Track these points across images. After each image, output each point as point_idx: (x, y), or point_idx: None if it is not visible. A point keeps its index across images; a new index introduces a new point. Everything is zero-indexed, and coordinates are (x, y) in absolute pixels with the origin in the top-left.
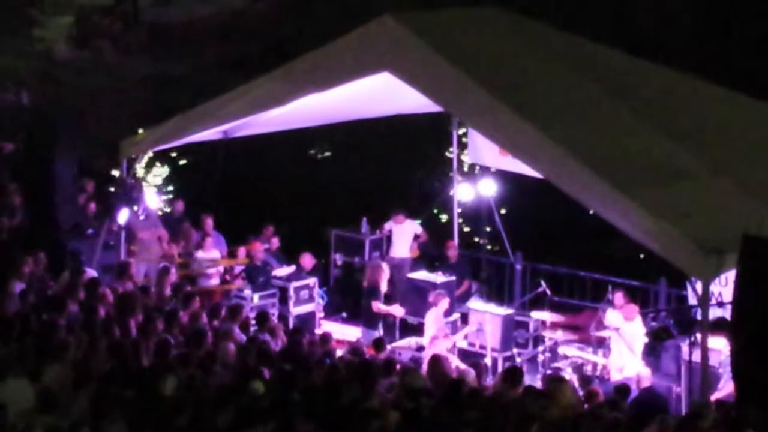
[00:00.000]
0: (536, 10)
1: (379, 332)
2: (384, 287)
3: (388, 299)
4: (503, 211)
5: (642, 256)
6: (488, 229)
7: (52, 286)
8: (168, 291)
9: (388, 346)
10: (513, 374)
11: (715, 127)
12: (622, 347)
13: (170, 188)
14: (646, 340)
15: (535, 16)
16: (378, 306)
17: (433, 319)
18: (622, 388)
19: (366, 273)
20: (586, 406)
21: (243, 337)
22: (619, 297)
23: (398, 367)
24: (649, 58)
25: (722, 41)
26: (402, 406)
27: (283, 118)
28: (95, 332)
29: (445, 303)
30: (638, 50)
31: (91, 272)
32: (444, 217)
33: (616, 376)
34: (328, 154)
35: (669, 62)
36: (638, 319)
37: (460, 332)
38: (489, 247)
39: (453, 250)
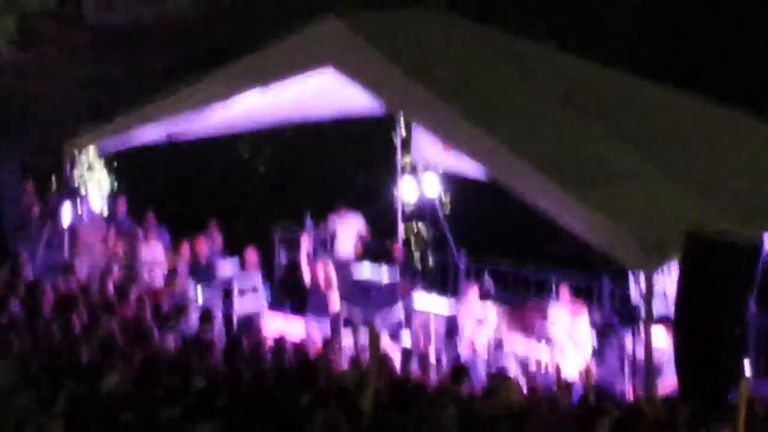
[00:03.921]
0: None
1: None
2: (324, 283)
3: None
4: (447, 210)
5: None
6: (432, 228)
7: None
8: (111, 290)
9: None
10: (458, 372)
11: (665, 129)
12: (569, 344)
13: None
14: (593, 337)
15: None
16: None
17: (465, 311)
18: (565, 385)
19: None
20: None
21: (186, 335)
22: (564, 291)
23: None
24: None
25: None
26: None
27: (227, 122)
28: (37, 330)
29: (474, 294)
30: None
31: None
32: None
33: (561, 372)
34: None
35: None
36: (586, 316)
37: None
38: (432, 245)
39: (398, 252)
